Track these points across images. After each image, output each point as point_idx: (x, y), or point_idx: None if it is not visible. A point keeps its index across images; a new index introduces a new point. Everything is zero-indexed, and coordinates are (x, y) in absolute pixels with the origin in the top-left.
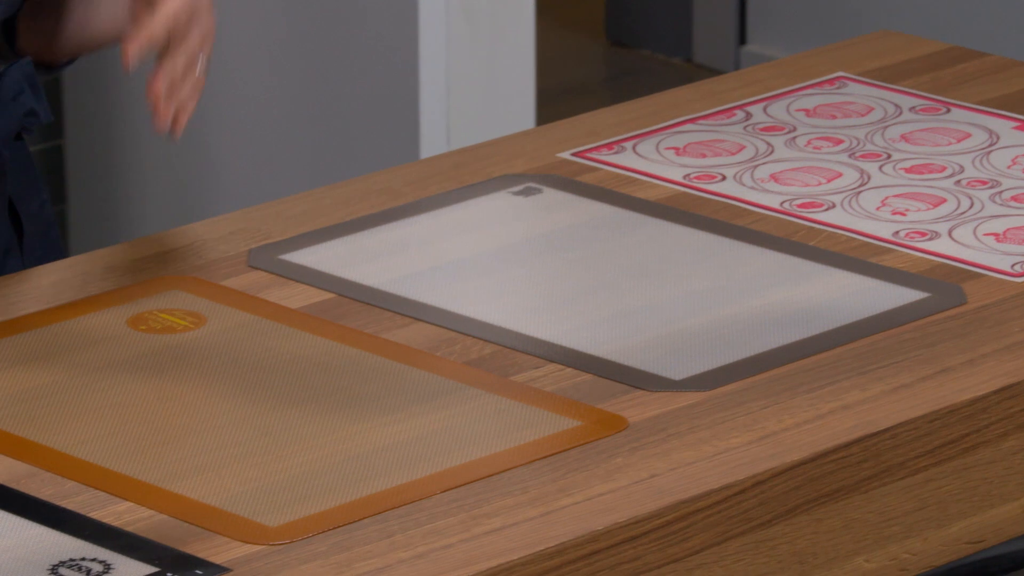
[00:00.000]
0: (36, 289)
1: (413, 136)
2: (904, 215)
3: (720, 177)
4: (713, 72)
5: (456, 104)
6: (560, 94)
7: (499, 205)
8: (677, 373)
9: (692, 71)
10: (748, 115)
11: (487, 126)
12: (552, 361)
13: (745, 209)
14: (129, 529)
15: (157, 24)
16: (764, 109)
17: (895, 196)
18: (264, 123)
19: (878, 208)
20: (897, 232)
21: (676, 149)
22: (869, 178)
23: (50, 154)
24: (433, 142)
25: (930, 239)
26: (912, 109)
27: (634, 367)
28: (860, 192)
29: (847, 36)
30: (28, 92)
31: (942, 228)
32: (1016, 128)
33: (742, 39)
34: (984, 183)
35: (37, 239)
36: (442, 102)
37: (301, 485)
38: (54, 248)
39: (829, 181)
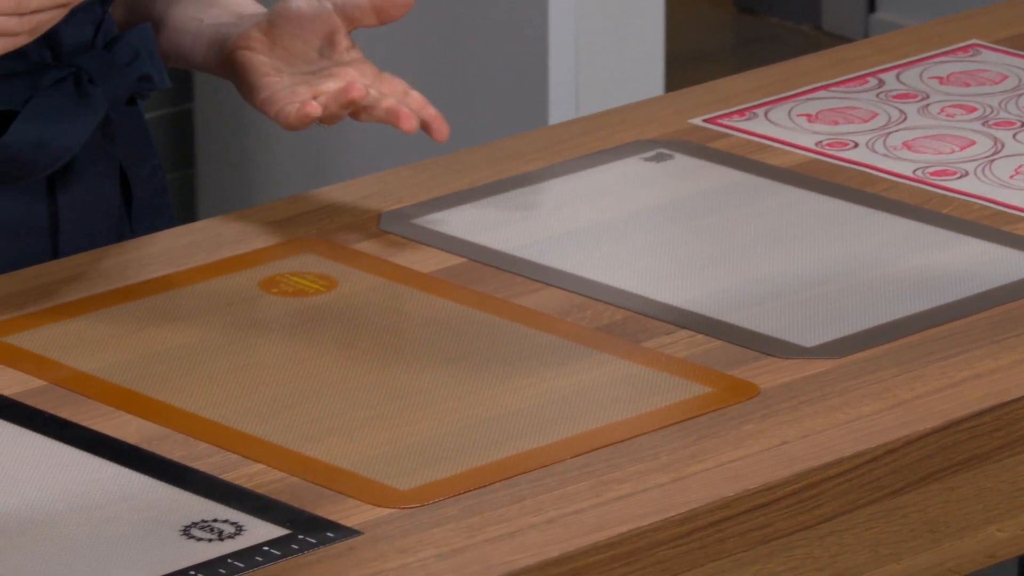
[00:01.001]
0: (168, 251)
1: (542, 102)
2: None
3: (852, 144)
4: (841, 40)
5: (585, 71)
6: (688, 61)
7: (630, 171)
8: (808, 340)
9: (820, 38)
10: (881, 82)
11: (615, 93)
12: (683, 327)
13: (877, 176)
14: (260, 491)
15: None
16: (897, 76)
17: None
18: None
19: (1012, 176)
20: None
21: (808, 116)
22: (1003, 146)
23: (179, 118)
24: (562, 108)
25: None
26: None
27: (765, 334)
28: (994, 160)
29: (976, 5)
30: (144, 57)
31: None
32: None
33: (871, 6)
34: None
35: (147, 205)
36: (571, 68)
37: (432, 448)
38: (165, 215)
39: (962, 149)
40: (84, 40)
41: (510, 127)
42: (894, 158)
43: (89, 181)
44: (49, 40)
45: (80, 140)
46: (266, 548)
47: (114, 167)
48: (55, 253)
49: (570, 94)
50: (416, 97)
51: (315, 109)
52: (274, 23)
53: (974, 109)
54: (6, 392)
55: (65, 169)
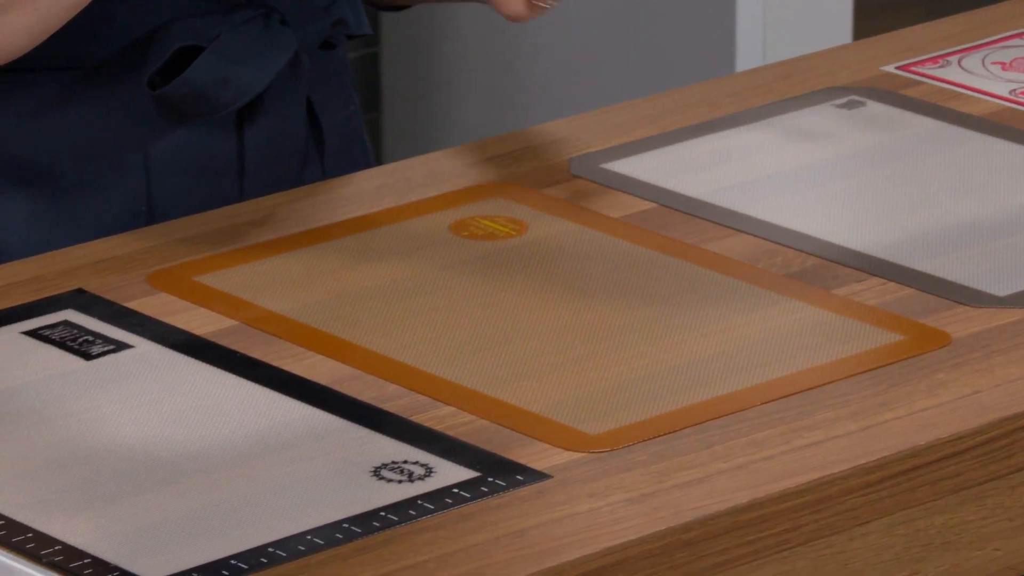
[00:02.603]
0: (358, 194)
1: (729, 50)
2: None
3: None
4: None
5: (772, 17)
6: (876, 9)
7: (822, 117)
8: (1001, 289)
9: None
10: None
11: (803, 40)
12: (873, 275)
13: None
14: (450, 433)
15: None
16: None
17: None
18: (580, 34)
19: None
20: None
21: (1002, 64)
22: None
23: (366, 62)
24: (749, 55)
25: None
26: None
27: (957, 282)
28: None
29: None
30: (343, 2)
31: None
32: None
33: None
34: None
35: (340, 152)
36: (758, 16)
37: (622, 393)
38: (359, 162)
39: None
40: None
41: (698, 74)
42: None
43: (276, 122)
44: None
45: (265, 79)
46: (456, 490)
47: (301, 109)
48: (241, 193)
49: (757, 41)
50: None
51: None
52: None
53: None
54: (198, 332)
55: (253, 108)
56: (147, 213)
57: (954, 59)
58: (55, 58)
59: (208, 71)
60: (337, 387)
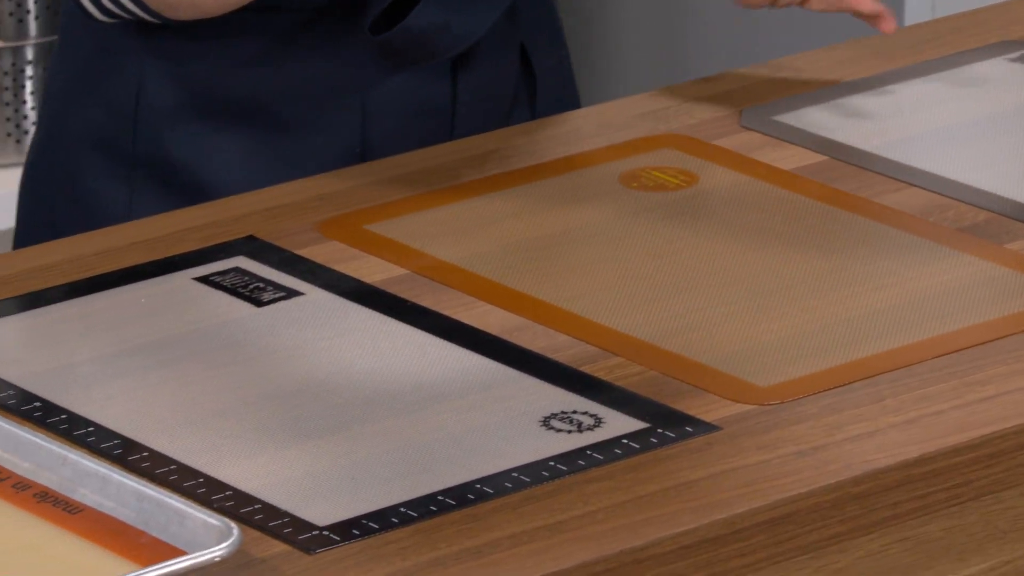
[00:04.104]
0: (529, 144)
1: (898, 3)
2: None
3: None
4: None
5: None
6: None
7: (996, 71)
8: None
9: None
10: None
11: None
12: None
13: None
14: (620, 384)
15: None
16: None
17: None
18: None
19: None
20: None
21: None
22: None
23: None
24: (917, 10)
25: None
26: None
27: None
28: None
29: None
30: None
31: None
32: None
33: None
34: None
35: (550, 95)
36: None
37: (792, 346)
38: (569, 107)
39: None
40: None
41: (866, 27)
42: None
43: (490, 67)
44: None
45: (484, 25)
46: (625, 441)
47: (515, 55)
48: (451, 136)
49: None
50: None
51: None
52: None
53: None
54: (368, 280)
55: (468, 54)
56: (361, 155)
57: None
58: (279, 1)
59: (429, 17)
60: (507, 337)
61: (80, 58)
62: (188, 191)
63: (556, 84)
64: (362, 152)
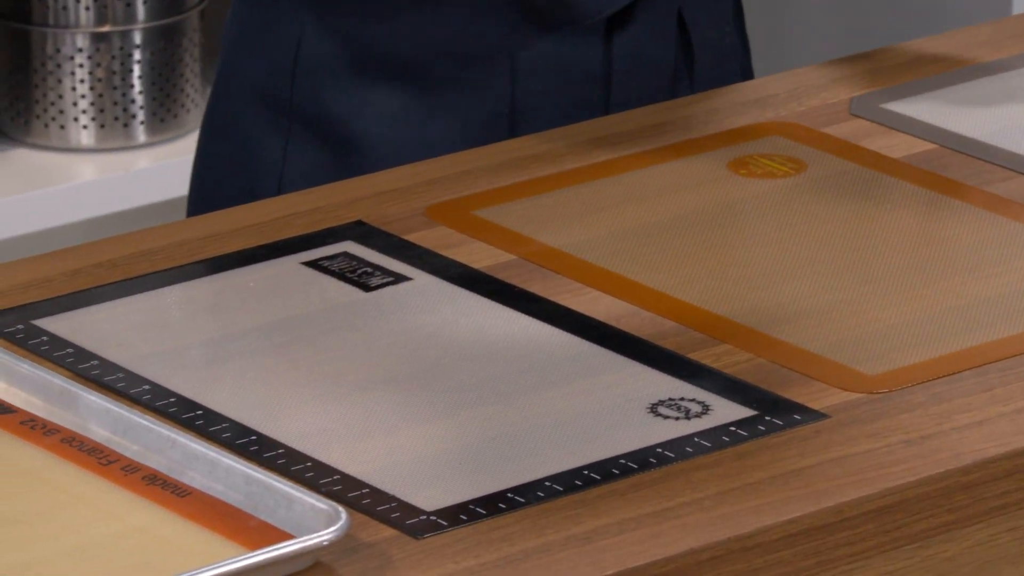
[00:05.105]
0: (640, 129)
1: None
2: None
3: None
4: None
5: None
6: None
7: None
8: None
9: None
10: None
11: None
12: None
13: None
14: (727, 371)
15: None
16: None
17: None
18: None
19: None
20: None
21: None
22: None
23: None
24: None
25: None
26: None
27: None
28: None
29: None
30: None
31: None
32: None
33: None
34: None
35: (711, 70)
36: None
37: (900, 335)
38: (729, 82)
39: None
40: None
41: (973, 16)
42: None
43: (644, 33)
44: None
45: None
46: (733, 428)
47: (671, 22)
48: (607, 103)
49: None
50: None
51: None
52: None
53: None
54: (476, 265)
55: (622, 18)
56: (510, 115)
57: None
58: None
59: None
60: (614, 323)
61: (247, 10)
62: (340, 144)
63: (717, 59)
64: (510, 114)
